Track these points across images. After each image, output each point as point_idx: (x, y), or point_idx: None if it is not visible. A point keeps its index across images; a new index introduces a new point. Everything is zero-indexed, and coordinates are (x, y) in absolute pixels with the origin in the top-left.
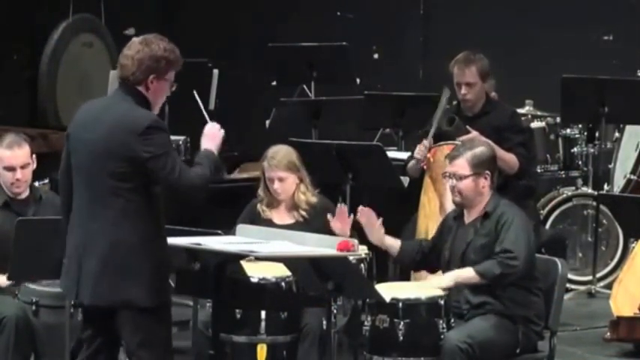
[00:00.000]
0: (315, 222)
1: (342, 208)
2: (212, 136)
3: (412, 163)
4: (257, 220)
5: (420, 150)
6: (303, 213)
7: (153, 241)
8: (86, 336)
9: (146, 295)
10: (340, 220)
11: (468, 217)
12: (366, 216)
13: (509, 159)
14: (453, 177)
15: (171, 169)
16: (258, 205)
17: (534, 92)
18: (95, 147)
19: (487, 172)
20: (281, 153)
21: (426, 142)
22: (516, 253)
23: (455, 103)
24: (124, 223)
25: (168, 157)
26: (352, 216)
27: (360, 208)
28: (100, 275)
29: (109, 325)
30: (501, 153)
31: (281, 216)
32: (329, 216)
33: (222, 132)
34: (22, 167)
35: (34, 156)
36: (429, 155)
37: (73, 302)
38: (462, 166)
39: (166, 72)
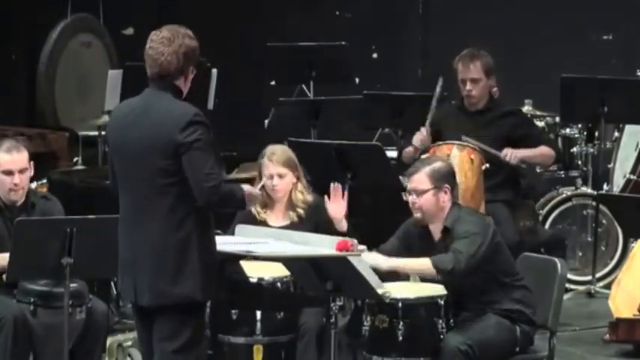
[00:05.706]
0: (310, 220)
1: (337, 186)
2: (251, 197)
3: (409, 149)
4: (252, 223)
5: (417, 137)
6: (300, 211)
7: (200, 239)
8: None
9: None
10: (335, 200)
11: (436, 234)
12: None
13: (541, 153)
14: (413, 192)
15: (199, 166)
16: (253, 208)
17: (534, 92)
18: (142, 146)
19: (447, 185)
20: (280, 150)
21: (423, 130)
22: (464, 255)
23: (453, 102)
24: (174, 221)
25: (203, 153)
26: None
27: None
28: (157, 274)
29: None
30: (534, 152)
31: (276, 217)
32: (325, 198)
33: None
34: (20, 172)
35: (31, 162)
36: (427, 155)
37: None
38: (421, 180)
39: (196, 60)
